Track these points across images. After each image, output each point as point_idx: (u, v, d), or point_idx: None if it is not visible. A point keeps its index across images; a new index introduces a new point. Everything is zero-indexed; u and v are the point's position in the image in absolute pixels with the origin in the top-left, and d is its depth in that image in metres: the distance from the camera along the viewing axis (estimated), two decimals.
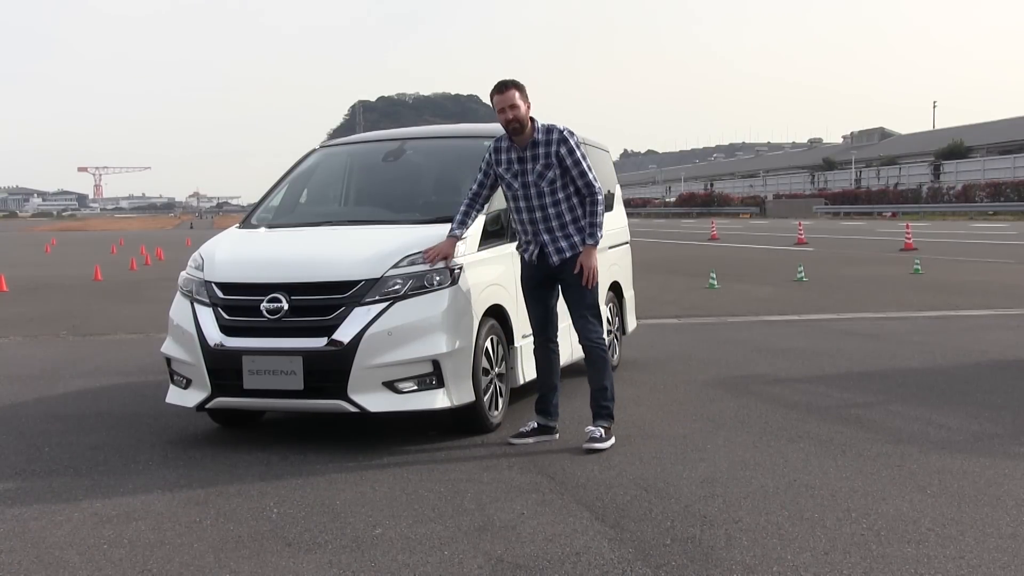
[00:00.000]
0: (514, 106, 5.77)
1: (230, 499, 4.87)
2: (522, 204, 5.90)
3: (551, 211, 5.83)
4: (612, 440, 5.73)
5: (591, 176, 5.86)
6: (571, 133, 5.89)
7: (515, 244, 6.53)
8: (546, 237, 5.86)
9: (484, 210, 6.23)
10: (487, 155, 6.05)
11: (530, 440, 5.84)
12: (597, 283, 5.95)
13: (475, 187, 6.07)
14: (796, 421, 6.33)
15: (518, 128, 5.81)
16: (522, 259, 6.07)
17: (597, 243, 5.87)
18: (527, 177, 5.85)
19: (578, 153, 5.84)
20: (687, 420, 6.43)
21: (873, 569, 3.76)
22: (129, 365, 9.24)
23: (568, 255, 5.84)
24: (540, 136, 5.84)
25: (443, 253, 5.83)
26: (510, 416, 6.39)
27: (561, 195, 5.83)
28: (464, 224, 5.99)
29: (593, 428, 5.78)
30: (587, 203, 5.86)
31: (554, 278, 5.95)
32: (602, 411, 5.87)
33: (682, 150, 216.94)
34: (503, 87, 5.84)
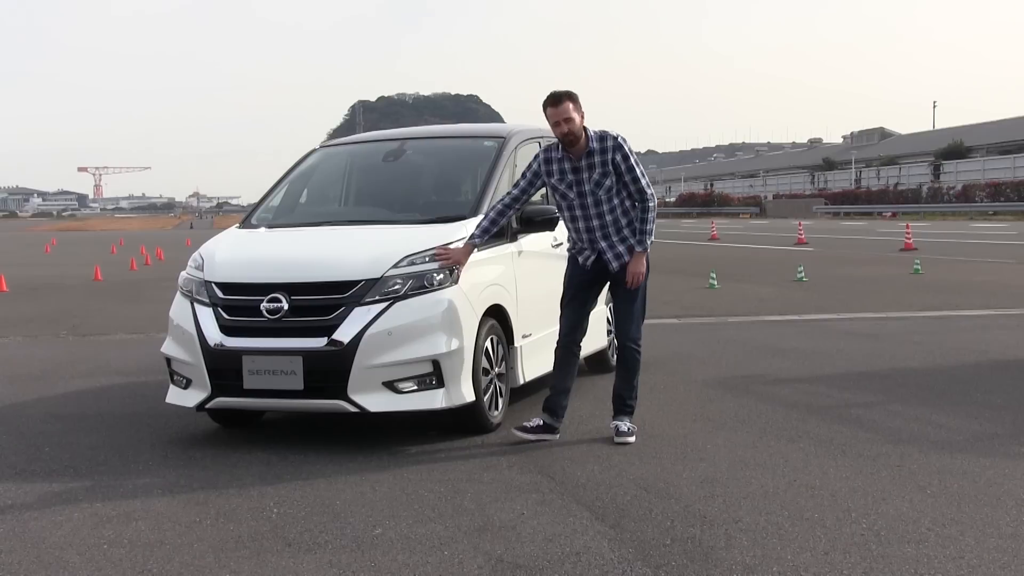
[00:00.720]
0: (569, 119, 5.72)
1: (230, 499, 4.88)
2: (578, 213, 5.88)
3: (608, 218, 5.84)
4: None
5: (644, 183, 5.85)
6: (624, 139, 5.86)
7: (515, 244, 6.54)
8: (604, 244, 5.88)
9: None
10: (535, 164, 5.99)
11: (531, 437, 5.82)
12: (646, 285, 6.00)
13: (516, 192, 6.02)
14: (796, 421, 6.33)
15: (573, 140, 5.77)
16: (574, 260, 6.04)
17: (647, 249, 5.89)
18: (583, 187, 5.83)
19: (632, 159, 5.83)
20: (687, 420, 6.44)
21: (873, 569, 3.77)
22: (129, 365, 9.24)
23: (627, 259, 5.87)
24: (595, 144, 5.80)
25: (456, 259, 5.81)
26: (510, 416, 6.38)
27: (616, 201, 5.84)
28: (488, 231, 5.96)
29: (621, 423, 5.87)
30: (639, 209, 5.86)
31: (604, 280, 6.00)
32: (627, 408, 5.97)
33: (682, 150, 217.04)
34: (557, 100, 5.76)
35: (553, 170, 5.91)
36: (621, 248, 5.87)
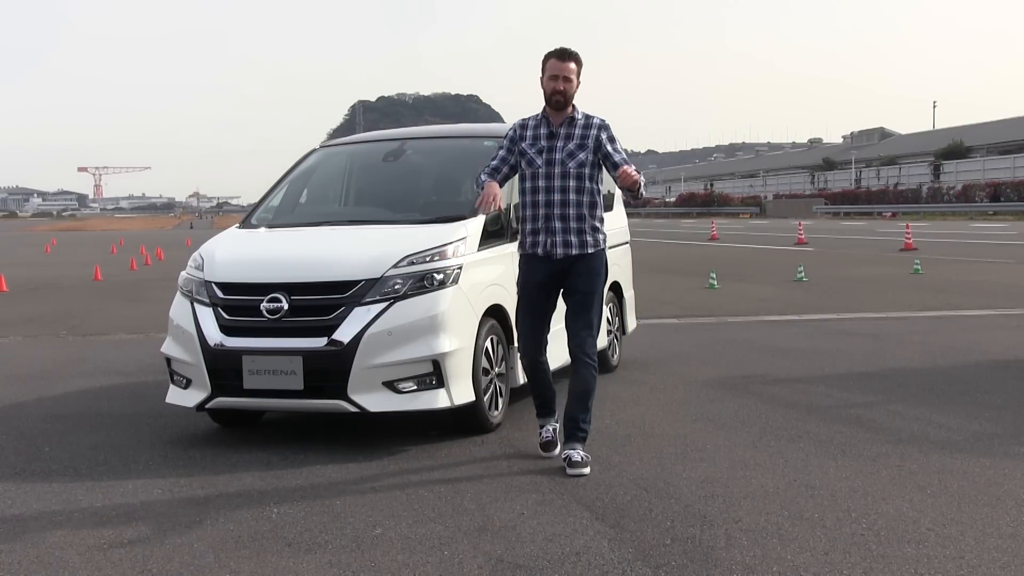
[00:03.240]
0: (568, 79, 5.39)
1: (230, 499, 4.88)
2: (540, 184, 5.42)
3: (571, 197, 5.38)
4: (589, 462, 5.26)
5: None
6: (610, 124, 5.55)
7: (515, 244, 6.48)
8: (558, 225, 5.39)
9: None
10: (511, 131, 5.59)
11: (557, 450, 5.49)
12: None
13: (494, 163, 5.56)
14: (796, 421, 6.33)
15: (562, 103, 5.42)
16: (524, 258, 5.58)
17: (634, 168, 5.33)
18: (554, 154, 5.41)
19: (618, 143, 5.52)
20: (687, 420, 6.43)
21: (873, 569, 3.76)
22: (129, 365, 9.24)
23: (574, 253, 5.39)
24: (579, 117, 5.51)
25: (492, 193, 5.32)
26: (510, 416, 6.39)
27: (587, 185, 5.41)
28: (492, 177, 5.48)
29: (573, 452, 5.25)
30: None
31: (558, 284, 5.50)
32: (580, 434, 5.37)
33: (682, 150, 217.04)
34: (566, 55, 5.45)
35: (527, 135, 5.51)
36: (573, 239, 5.39)
